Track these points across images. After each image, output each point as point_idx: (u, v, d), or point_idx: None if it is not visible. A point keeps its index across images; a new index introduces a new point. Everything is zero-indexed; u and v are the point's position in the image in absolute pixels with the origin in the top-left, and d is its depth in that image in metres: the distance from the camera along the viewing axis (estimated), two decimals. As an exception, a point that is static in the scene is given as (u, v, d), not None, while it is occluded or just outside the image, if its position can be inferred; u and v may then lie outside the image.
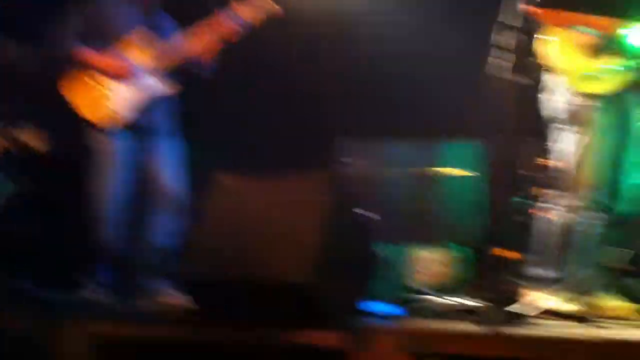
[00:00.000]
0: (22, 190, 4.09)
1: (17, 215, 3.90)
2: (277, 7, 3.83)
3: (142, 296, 3.69)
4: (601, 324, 2.81)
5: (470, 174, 4.30)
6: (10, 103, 4.16)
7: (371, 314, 3.07)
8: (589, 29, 3.21)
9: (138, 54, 3.76)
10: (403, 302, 3.36)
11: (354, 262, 3.02)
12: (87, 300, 3.50)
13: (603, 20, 3.14)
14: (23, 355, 3.11)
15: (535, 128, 4.75)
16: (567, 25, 3.24)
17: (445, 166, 4.33)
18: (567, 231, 3.20)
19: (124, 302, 3.64)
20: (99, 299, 3.52)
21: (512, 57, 2.91)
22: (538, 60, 3.97)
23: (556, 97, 3.34)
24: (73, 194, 3.85)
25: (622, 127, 3.21)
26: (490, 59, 2.93)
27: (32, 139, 4.11)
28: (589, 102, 3.19)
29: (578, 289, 3.11)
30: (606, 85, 3.15)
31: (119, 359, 2.98)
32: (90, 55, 3.70)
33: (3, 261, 3.61)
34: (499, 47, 2.88)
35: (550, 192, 3.33)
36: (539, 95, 4.51)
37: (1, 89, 4.09)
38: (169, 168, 3.82)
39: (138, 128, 3.75)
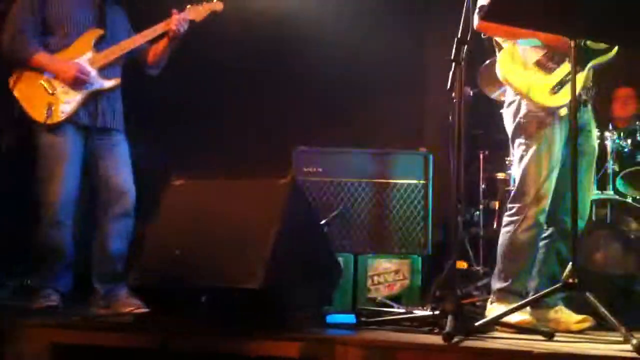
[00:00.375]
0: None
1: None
2: (220, 4, 3.87)
3: (98, 302, 3.63)
4: (560, 338, 2.84)
5: (425, 184, 4.35)
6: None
7: (329, 324, 3.08)
8: (537, 43, 3.25)
9: (87, 50, 3.70)
10: (360, 312, 3.38)
11: (311, 270, 3.02)
12: (42, 306, 3.40)
13: (550, 35, 3.18)
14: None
15: (492, 141, 4.86)
16: (515, 38, 3.27)
17: (400, 176, 4.36)
18: (521, 244, 3.22)
19: (79, 308, 3.58)
20: (54, 304, 3.43)
21: (468, 68, 2.93)
22: (495, 74, 4.05)
23: (508, 109, 3.37)
24: (23, 193, 3.74)
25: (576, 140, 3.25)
26: (449, 73, 2.95)
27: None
28: (544, 116, 3.22)
29: (536, 302, 3.15)
30: (559, 99, 3.18)
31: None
32: (40, 57, 3.62)
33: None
34: (456, 62, 2.91)
35: (507, 204, 3.35)
36: (500, 110, 4.62)
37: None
38: (121, 168, 3.74)
39: (86, 126, 3.67)
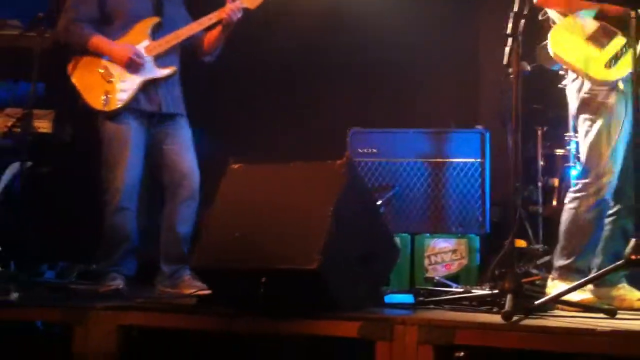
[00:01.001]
0: (35, 176, 4.10)
1: (30, 204, 3.90)
2: None
3: (164, 282, 3.72)
4: (622, 316, 2.79)
5: (481, 162, 4.30)
6: (22, 87, 4.16)
7: (387, 304, 3.09)
8: (592, 14, 3.17)
9: (144, 38, 3.76)
10: (418, 292, 3.38)
11: (368, 250, 3.02)
12: (110, 291, 3.51)
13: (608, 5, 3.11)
14: (49, 346, 3.16)
15: (550, 117, 4.77)
16: (573, 10, 3.20)
17: (456, 154, 4.33)
18: (586, 221, 3.16)
19: (143, 291, 3.68)
20: (121, 288, 3.53)
21: (524, 45, 2.88)
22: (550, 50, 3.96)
23: (571, 85, 3.30)
24: (88, 180, 3.84)
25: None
26: (505, 48, 2.90)
27: (43, 123, 4.12)
28: (607, 90, 3.15)
29: (599, 280, 3.10)
30: (615, 72, 3.11)
31: (143, 347, 3.01)
32: (97, 40, 3.69)
33: (20, 251, 3.61)
34: (513, 36, 2.85)
35: (568, 181, 3.29)
36: (558, 85, 4.53)
37: (14, 72, 4.08)
38: (185, 152, 3.81)
39: (148, 113, 3.74)
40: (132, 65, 3.67)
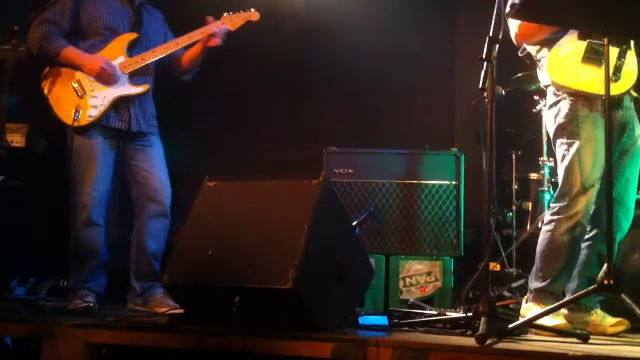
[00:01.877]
0: (8, 190, 4.04)
1: (1, 218, 3.83)
2: (257, 14, 3.90)
3: (135, 299, 3.67)
4: (595, 341, 2.81)
5: (457, 185, 4.32)
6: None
7: (362, 325, 3.07)
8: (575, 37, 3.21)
9: (120, 54, 3.75)
10: (393, 314, 3.37)
11: (343, 271, 3.02)
12: (80, 308, 3.45)
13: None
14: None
15: (525, 141, 4.82)
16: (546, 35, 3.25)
17: (432, 177, 4.35)
18: (562, 244, 3.18)
19: (115, 308, 3.63)
20: (92, 306, 3.48)
21: (498, 69, 2.91)
22: (528, 73, 4.00)
23: (549, 112, 3.33)
24: (61, 195, 3.79)
25: (618, 137, 3.21)
26: (480, 72, 2.93)
27: (16, 137, 4.07)
28: (586, 114, 3.18)
29: (573, 304, 3.12)
30: (621, 86, 3.13)
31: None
32: (69, 51, 3.67)
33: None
34: (488, 60, 2.88)
35: (542, 205, 3.32)
36: (531, 109, 4.58)
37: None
38: (156, 169, 3.78)
39: (119, 130, 3.72)
40: (103, 77, 3.64)
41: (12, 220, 3.94)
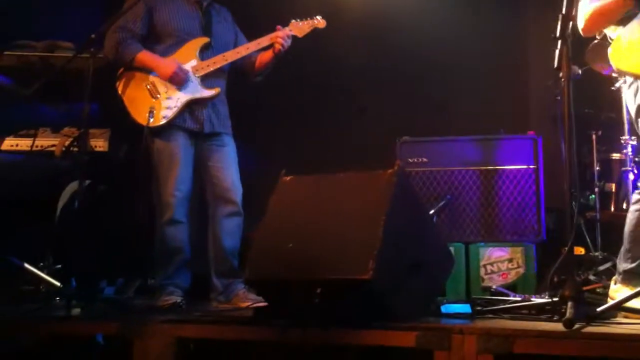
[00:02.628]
0: (93, 194, 4.19)
1: (88, 221, 3.99)
2: (323, 22, 3.95)
3: (217, 297, 3.76)
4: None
5: (535, 169, 4.23)
6: (77, 107, 4.27)
7: (444, 314, 3.06)
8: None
9: (192, 57, 3.82)
10: (475, 301, 3.34)
11: (422, 260, 3.00)
12: (168, 305, 3.56)
13: None
14: None
15: (603, 121, 4.67)
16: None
17: (509, 162, 4.28)
18: None
19: (200, 304, 3.73)
20: (179, 302, 3.58)
21: (573, 47, 2.82)
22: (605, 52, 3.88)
23: (629, 90, 3.22)
24: (139, 195, 3.91)
25: None
26: (555, 50, 2.85)
27: (99, 141, 4.21)
28: None
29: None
30: None
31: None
32: (143, 55, 3.77)
33: (80, 268, 3.70)
34: (562, 39, 2.80)
35: (626, 186, 3.21)
36: (608, 87, 4.43)
37: (69, 93, 4.19)
38: (228, 169, 3.86)
39: (194, 131, 3.80)
40: (176, 80, 3.73)
41: (98, 222, 4.09)
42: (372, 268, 2.70)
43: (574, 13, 2.81)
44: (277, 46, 3.86)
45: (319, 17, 3.98)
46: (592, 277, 3.98)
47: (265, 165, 4.49)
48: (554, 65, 2.83)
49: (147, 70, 3.80)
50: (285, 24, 3.96)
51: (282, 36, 3.86)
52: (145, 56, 3.78)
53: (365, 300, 2.78)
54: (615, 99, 4.42)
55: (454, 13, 5.22)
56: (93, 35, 3.62)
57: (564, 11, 2.81)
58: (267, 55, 3.98)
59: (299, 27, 3.93)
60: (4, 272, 3.64)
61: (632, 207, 3.15)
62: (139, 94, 3.78)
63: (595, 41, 4.18)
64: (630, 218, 3.14)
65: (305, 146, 5.32)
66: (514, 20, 5.36)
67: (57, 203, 4.21)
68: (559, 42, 2.80)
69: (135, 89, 3.80)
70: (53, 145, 4.16)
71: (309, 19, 3.97)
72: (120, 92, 3.82)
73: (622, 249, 3.17)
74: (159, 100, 3.75)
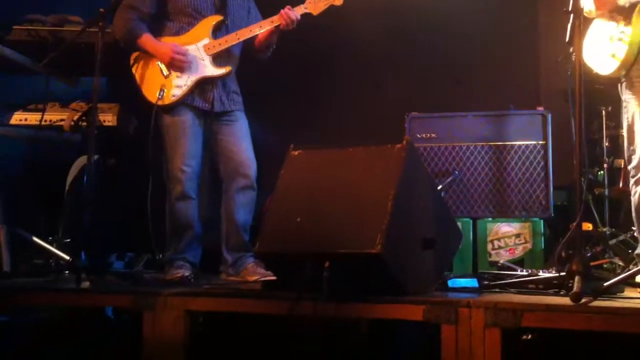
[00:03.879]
0: (102, 168, 4.21)
1: (97, 196, 4.01)
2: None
3: (227, 270, 3.78)
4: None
5: (544, 145, 4.22)
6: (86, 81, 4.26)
7: (452, 288, 3.07)
8: None
9: (205, 36, 3.81)
10: (482, 276, 3.35)
11: (430, 235, 3.01)
12: (177, 278, 3.59)
13: None
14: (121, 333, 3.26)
15: (614, 96, 4.64)
16: None
17: (518, 137, 4.27)
18: None
19: (209, 277, 3.75)
20: (188, 276, 3.61)
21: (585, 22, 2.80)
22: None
23: (615, 60, 3.19)
24: (149, 172, 3.93)
25: None
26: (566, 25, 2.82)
27: (108, 116, 4.21)
28: None
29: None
30: None
31: (209, 334, 3.08)
32: (144, 39, 3.75)
33: (90, 242, 3.72)
34: (574, 13, 2.78)
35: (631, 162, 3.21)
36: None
37: (78, 67, 4.19)
38: (241, 143, 3.85)
39: (203, 109, 3.80)
40: (175, 64, 3.72)
41: (107, 197, 4.11)
42: (380, 242, 2.72)
43: None
44: (284, 23, 3.82)
45: None
46: (600, 254, 3.98)
47: (276, 139, 4.49)
48: (565, 39, 2.80)
49: (152, 54, 3.78)
50: (302, 1, 3.90)
51: (291, 17, 3.81)
52: (145, 41, 3.75)
53: (373, 274, 2.80)
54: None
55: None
56: (102, 10, 3.60)
57: (576, -15, 2.78)
58: (268, 31, 3.93)
59: (315, 5, 3.87)
60: (16, 245, 3.66)
61: (633, 189, 3.16)
62: (151, 72, 3.77)
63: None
64: (633, 200, 3.16)
65: (316, 120, 5.31)
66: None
67: (66, 177, 4.23)
68: (571, 16, 2.78)
69: (147, 66, 3.79)
70: (62, 120, 4.15)
71: None
72: (133, 69, 3.82)
73: (625, 230, 3.18)
74: (169, 78, 3.75)
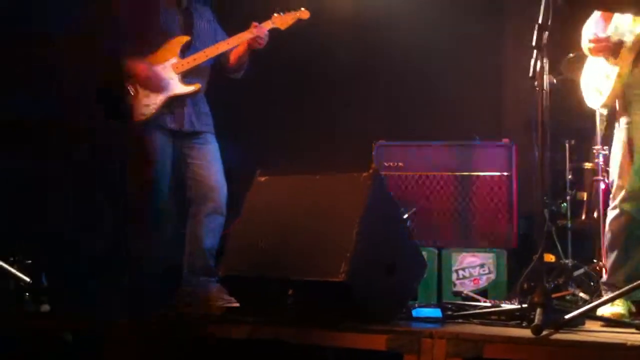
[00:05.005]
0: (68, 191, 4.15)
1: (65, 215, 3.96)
2: (307, 13, 3.92)
3: (185, 298, 3.74)
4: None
5: (509, 176, 4.27)
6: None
7: (415, 317, 3.07)
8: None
9: (172, 56, 3.81)
10: (446, 306, 3.36)
11: (395, 264, 3.01)
12: (137, 302, 3.53)
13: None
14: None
15: (577, 129, 4.72)
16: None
17: (484, 168, 4.31)
18: (614, 234, 3.13)
19: (170, 302, 3.71)
20: (148, 300, 3.56)
21: (549, 56, 2.86)
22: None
23: (600, 96, 3.27)
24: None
25: None
26: (530, 60, 2.88)
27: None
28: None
29: (624, 295, 3.05)
30: None
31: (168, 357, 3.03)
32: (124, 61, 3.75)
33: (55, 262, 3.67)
34: (538, 48, 2.83)
35: (597, 195, 3.27)
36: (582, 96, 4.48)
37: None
38: (211, 166, 3.84)
39: (173, 130, 3.79)
40: (149, 86, 3.72)
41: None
42: (344, 270, 2.71)
43: (549, 23, 2.84)
44: (259, 42, 3.84)
45: (302, 8, 3.96)
46: (562, 286, 4.02)
47: (244, 164, 4.48)
48: (529, 74, 2.85)
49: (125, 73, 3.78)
50: (268, 17, 3.93)
51: (263, 32, 3.84)
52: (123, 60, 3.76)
53: (337, 302, 2.79)
54: (589, 109, 4.46)
55: (431, 18, 5.24)
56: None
57: (540, 20, 2.84)
58: (241, 49, 3.95)
59: (282, 19, 3.90)
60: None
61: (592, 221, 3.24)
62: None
63: (571, 55, 4.25)
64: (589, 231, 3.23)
65: (284, 146, 5.31)
66: (492, 26, 5.40)
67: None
68: (535, 51, 2.83)
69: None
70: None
71: (292, 10, 3.95)
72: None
73: (587, 261, 3.24)
74: (138, 98, 3.73)
